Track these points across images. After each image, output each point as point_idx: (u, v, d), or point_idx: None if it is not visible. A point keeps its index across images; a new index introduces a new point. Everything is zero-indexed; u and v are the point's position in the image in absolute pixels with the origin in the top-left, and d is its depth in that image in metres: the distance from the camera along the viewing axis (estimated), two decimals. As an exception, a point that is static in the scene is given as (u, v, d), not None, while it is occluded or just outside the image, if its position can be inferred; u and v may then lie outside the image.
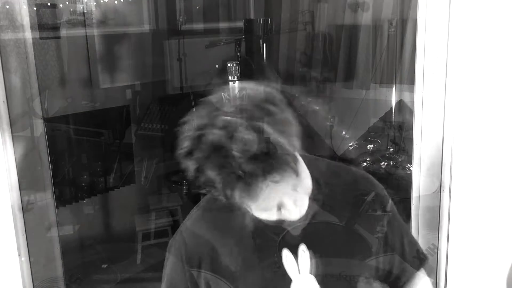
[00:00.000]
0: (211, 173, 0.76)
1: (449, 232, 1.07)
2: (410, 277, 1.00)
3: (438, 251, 1.10)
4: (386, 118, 3.22)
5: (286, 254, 0.92)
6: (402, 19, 3.11)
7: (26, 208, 1.16)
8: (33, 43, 2.36)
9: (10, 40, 2.01)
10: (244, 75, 2.04)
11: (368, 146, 3.26)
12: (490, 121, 1.02)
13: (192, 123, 0.82)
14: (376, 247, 0.98)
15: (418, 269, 1.00)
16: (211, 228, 0.97)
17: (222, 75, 1.98)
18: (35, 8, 2.55)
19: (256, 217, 0.91)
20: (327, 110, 3.49)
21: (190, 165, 0.78)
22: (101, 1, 3.08)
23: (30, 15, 2.38)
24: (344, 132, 3.45)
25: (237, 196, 0.76)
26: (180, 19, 3.40)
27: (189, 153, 0.77)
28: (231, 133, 0.74)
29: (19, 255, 1.14)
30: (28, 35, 2.15)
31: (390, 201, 1.04)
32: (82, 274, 1.72)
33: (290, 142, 0.81)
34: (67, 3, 2.88)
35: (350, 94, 3.43)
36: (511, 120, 1.01)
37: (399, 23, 3.10)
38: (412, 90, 1.22)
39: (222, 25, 3.57)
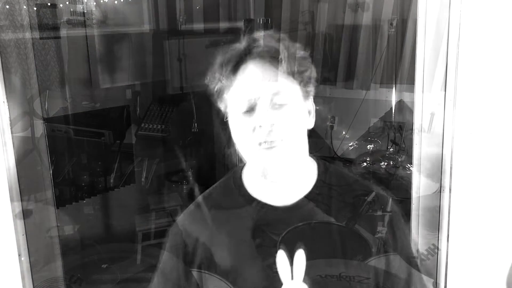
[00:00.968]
0: None
1: (449, 232, 1.07)
2: (409, 278, 1.00)
3: (438, 251, 1.10)
4: (386, 118, 3.23)
5: (281, 255, 0.91)
6: (402, 19, 3.11)
7: (26, 208, 1.16)
8: (33, 43, 2.36)
9: (11, 41, 2.01)
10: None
11: (368, 146, 3.27)
12: (490, 121, 1.01)
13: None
14: (376, 248, 0.98)
15: (418, 269, 1.00)
16: (208, 225, 0.97)
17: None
18: (35, 8, 2.55)
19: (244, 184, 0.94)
20: (327, 110, 3.49)
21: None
22: (101, 1, 3.08)
23: (30, 15, 2.38)
24: (344, 132, 3.45)
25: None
26: (180, 19, 3.40)
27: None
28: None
29: (19, 255, 1.14)
30: (28, 35, 2.15)
31: (390, 200, 1.04)
32: (82, 274, 1.71)
33: None
34: (67, 3, 2.88)
35: (350, 94, 3.43)
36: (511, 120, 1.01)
37: (399, 23, 3.10)
38: (412, 90, 1.22)
39: (222, 25, 3.57)
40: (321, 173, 1.01)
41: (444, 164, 1.07)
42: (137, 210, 3.19)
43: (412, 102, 1.20)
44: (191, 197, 3.12)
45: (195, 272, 0.96)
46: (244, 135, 0.92)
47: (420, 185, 1.23)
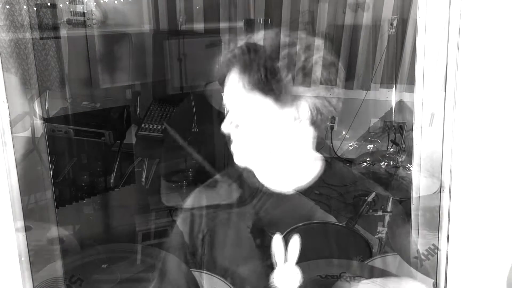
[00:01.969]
0: None
1: (449, 232, 1.07)
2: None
3: (438, 252, 1.10)
4: (386, 118, 3.23)
5: (277, 239, 0.92)
6: (402, 19, 3.11)
7: (26, 208, 1.16)
8: (34, 43, 2.36)
9: (11, 41, 2.01)
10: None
11: (368, 146, 3.27)
12: (490, 121, 1.01)
13: None
14: (376, 248, 0.98)
15: (418, 269, 1.01)
16: (209, 224, 0.98)
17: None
18: (35, 8, 2.55)
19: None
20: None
21: None
22: (101, 1, 3.08)
23: (30, 15, 2.38)
24: (344, 132, 3.46)
25: None
26: (180, 19, 3.40)
27: None
28: None
29: (19, 255, 1.14)
30: (28, 35, 2.15)
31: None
32: (82, 274, 1.71)
33: None
34: (67, 3, 2.88)
35: (350, 95, 3.43)
36: (511, 120, 1.01)
37: (399, 23, 3.11)
38: (412, 90, 1.22)
39: (222, 25, 3.57)
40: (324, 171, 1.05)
41: (444, 164, 1.07)
42: (137, 210, 3.19)
43: (412, 102, 1.20)
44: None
45: (195, 272, 0.96)
46: None
47: (420, 185, 1.23)
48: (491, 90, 1.01)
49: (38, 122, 2.70)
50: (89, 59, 3.06)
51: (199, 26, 3.56)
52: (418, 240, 1.21)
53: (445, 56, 1.05)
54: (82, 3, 2.92)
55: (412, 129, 1.22)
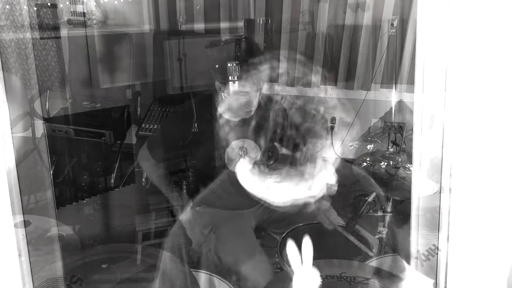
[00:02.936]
0: None
1: (449, 233, 1.07)
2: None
3: (438, 252, 1.10)
4: (386, 118, 3.23)
5: (291, 245, 0.92)
6: (402, 19, 3.11)
7: (26, 208, 1.16)
8: (34, 43, 2.36)
9: (11, 41, 2.01)
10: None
11: (368, 146, 3.27)
12: (490, 121, 1.01)
13: None
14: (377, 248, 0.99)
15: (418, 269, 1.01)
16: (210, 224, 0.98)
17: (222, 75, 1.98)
18: (35, 9, 2.55)
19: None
20: (327, 110, 3.49)
21: None
22: (101, 1, 3.08)
23: (31, 16, 2.38)
24: (344, 132, 3.46)
25: None
26: (180, 19, 3.40)
27: None
28: None
29: (19, 255, 1.14)
30: (28, 35, 2.15)
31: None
32: (82, 274, 1.71)
33: None
34: (67, 3, 2.89)
35: (351, 95, 3.43)
36: (511, 120, 1.01)
37: (399, 24, 3.11)
38: (412, 91, 1.22)
39: (222, 25, 3.57)
40: None
41: (444, 164, 1.07)
42: (137, 210, 3.19)
43: (412, 103, 1.20)
44: (191, 197, 3.12)
45: (196, 272, 0.96)
46: None
47: (420, 186, 1.23)
48: (491, 90, 1.01)
49: (39, 122, 2.70)
50: (89, 59, 3.07)
51: (199, 26, 3.56)
52: (419, 240, 1.21)
53: (445, 56, 1.05)
54: (82, 3, 2.92)
55: (412, 130, 1.22)
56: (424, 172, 1.19)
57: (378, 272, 0.99)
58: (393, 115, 3.12)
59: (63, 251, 1.84)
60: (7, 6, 2.01)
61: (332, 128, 3.51)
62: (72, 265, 1.64)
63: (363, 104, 3.32)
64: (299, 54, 3.51)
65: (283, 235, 1.47)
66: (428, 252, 1.13)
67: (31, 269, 1.14)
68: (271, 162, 1.96)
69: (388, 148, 2.92)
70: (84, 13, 2.93)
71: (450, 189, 1.06)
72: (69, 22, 2.89)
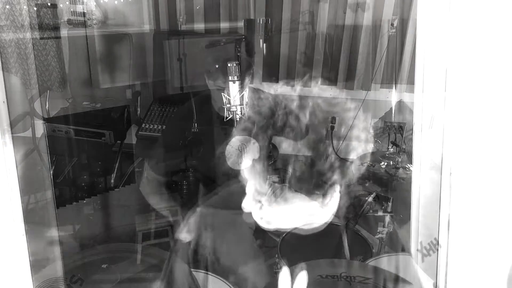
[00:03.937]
0: None
1: (449, 233, 1.07)
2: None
3: (438, 252, 1.10)
4: (386, 118, 3.23)
5: (284, 272, 0.91)
6: (402, 19, 3.11)
7: (26, 208, 1.16)
8: (34, 43, 2.36)
9: (11, 41, 2.01)
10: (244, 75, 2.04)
11: (368, 146, 3.26)
12: (490, 121, 1.01)
13: None
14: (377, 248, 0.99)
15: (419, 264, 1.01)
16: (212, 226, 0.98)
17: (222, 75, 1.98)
18: (35, 9, 2.55)
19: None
20: (327, 110, 3.49)
21: None
22: (101, 1, 3.08)
23: (31, 16, 2.38)
24: (344, 132, 3.45)
25: None
26: (180, 19, 3.40)
27: None
28: None
29: (19, 255, 1.14)
30: (28, 35, 2.15)
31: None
32: (82, 274, 1.71)
33: None
34: (67, 3, 2.88)
35: (350, 95, 3.43)
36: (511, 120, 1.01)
37: (399, 24, 3.11)
38: (412, 91, 1.22)
39: (222, 25, 3.57)
40: None
41: (444, 164, 1.07)
42: (137, 210, 3.19)
43: (412, 103, 1.20)
44: (191, 197, 3.12)
45: (196, 273, 0.96)
46: None
47: (420, 186, 1.23)
48: (491, 90, 1.01)
49: (39, 122, 2.70)
50: (89, 59, 3.06)
51: (199, 26, 3.56)
52: (418, 240, 1.21)
53: (445, 56, 1.05)
54: (82, 3, 2.92)
55: (412, 130, 1.22)
56: (424, 172, 1.19)
57: (377, 271, 0.99)
58: (393, 115, 3.12)
59: (62, 251, 1.84)
60: (7, 6, 2.01)
61: (332, 128, 3.50)
62: (72, 265, 1.64)
63: (363, 104, 3.31)
64: (299, 54, 3.51)
65: (283, 235, 1.47)
66: (430, 246, 1.13)
67: (31, 269, 1.14)
68: (271, 162, 1.96)
69: (388, 148, 2.92)
70: (84, 13, 2.93)
71: (450, 189, 1.06)
72: (69, 22, 2.89)
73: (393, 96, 3.13)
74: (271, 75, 3.51)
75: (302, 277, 0.89)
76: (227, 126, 1.84)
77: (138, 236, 2.91)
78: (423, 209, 1.23)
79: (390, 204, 1.97)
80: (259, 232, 1.77)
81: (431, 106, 1.16)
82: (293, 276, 0.90)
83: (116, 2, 3.16)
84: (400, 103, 3.06)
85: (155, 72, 3.33)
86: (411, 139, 1.34)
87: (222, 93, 1.68)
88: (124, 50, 3.21)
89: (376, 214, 1.92)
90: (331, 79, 3.47)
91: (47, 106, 2.91)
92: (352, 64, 3.38)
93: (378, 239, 1.95)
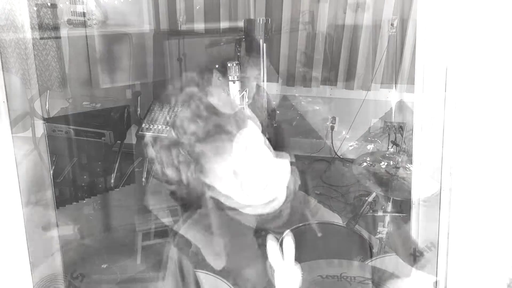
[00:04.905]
0: None
1: (449, 233, 1.07)
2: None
3: (438, 252, 1.10)
4: (386, 118, 3.23)
5: (271, 240, 0.89)
6: (402, 19, 3.11)
7: (26, 208, 1.16)
8: (34, 43, 2.35)
9: (11, 41, 2.01)
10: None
11: (368, 146, 3.27)
12: (490, 121, 1.01)
13: None
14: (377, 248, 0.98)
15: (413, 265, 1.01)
16: (212, 229, 0.98)
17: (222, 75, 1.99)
18: (35, 9, 2.55)
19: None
20: (328, 110, 3.49)
21: None
22: (101, 1, 3.08)
23: (31, 16, 2.38)
24: (344, 132, 3.46)
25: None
26: (180, 19, 3.40)
27: None
28: None
29: (19, 255, 1.14)
30: (28, 35, 2.15)
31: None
32: (82, 274, 1.72)
33: None
34: (67, 3, 2.88)
35: (351, 95, 3.43)
36: None
37: (399, 24, 3.11)
38: (412, 91, 1.22)
39: (222, 25, 3.57)
40: None
41: (444, 164, 1.07)
42: (137, 210, 3.19)
43: (412, 103, 1.20)
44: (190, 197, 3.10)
45: (197, 273, 0.96)
46: None
47: (420, 186, 1.23)
48: (491, 90, 1.01)
49: (39, 122, 2.70)
50: (89, 59, 3.06)
51: (199, 26, 3.56)
52: (418, 239, 1.21)
53: (445, 56, 1.05)
54: (82, 3, 2.92)
55: (412, 130, 1.22)
56: (424, 172, 1.19)
57: (377, 271, 0.99)
58: (393, 115, 3.13)
59: (62, 251, 1.84)
60: (7, 6, 2.01)
61: (332, 128, 3.51)
62: (71, 265, 1.64)
63: (363, 104, 3.31)
64: (299, 54, 3.51)
65: (283, 235, 1.47)
66: (424, 249, 1.13)
67: (31, 269, 1.14)
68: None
69: (388, 148, 2.92)
70: (84, 13, 2.93)
71: (450, 189, 1.06)
72: (69, 22, 2.89)
73: (393, 96, 3.13)
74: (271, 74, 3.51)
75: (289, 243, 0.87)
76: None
77: (138, 236, 2.91)
78: (423, 209, 1.23)
79: (390, 204, 1.97)
80: (259, 231, 1.77)
81: (431, 106, 1.16)
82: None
83: (116, 2, 3.16)
84: (400, 103, 3.07)
85: (155, 72, 3.33)
86: (411, 139, 1.34)
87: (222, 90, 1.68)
88: (124, 50, 3.21)
89: (376, 214, 1.93)
90: (331, 79, 3.48)
91: (47, 106, 2.91)
92: (352, 64, 3.38)
93: (378, 239, 1.96)
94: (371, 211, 1.80)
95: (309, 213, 0.99)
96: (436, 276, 1.11)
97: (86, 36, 3.00)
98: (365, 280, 0.95)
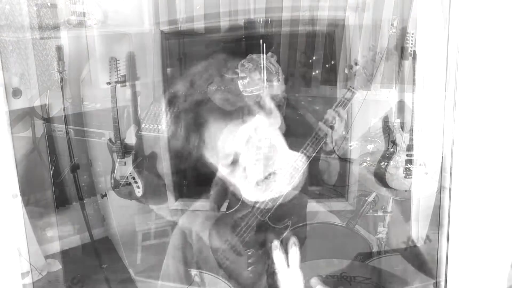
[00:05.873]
0: None
1: (449, 232, 1.07)
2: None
3: (438, 252, 1.10)
4: (386, 118, 3.22)
5: (275, 245, 0.90)
6: (402, 19, 3.11)
7: (26, 208, 1.16)
8: (34, 43, 2.36)
9: (11, 41, 2.01)
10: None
11: (368, 146, 3.26)
12: (490, 121, 1.01)
13: None
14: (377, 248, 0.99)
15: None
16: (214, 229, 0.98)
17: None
18: (35, 8, 2.55)
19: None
20: (327, 110, 3.48)
21: None
22: (101, 1, 3.08)
23: (31, 16, 2.38)
24: (344, 132, 3.45)
25: None
26: (180, 19, 3.40)
27: None
28: None
29: (19, 255, 1.14)
30: (28, 35, 2.15)
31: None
32: (82, 274, 1.72)
33: None
34: (67, 3, 2.88)
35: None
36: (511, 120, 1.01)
37: (399, 24, 3.11)
38: (412, 91, 1.22)
39: (222, 25, 3.57)
40: None
41: (444, 164, 1.07)
42: (137, 210, 3.19)
43: (412, 103, 1.20)
44: (192, 194, 3.11)
45: (195, 272, 0.96)
46: None
47: (420, 185, 1.24)
48: (491, 90, 1.01)
49: (39, 122, 2.70)
50: (89, 59, 3.07)
51: (199, 26, 3.56)
52: (418, 239, 1.21)
53: (445, 56, 1.05)
54: (82, 3, 2.92)
55: (412, 129, 1.22)
56: (425, 172, 1.19)
57: (377, 271, 0.99)
58: (393, 115, 3.12)
59: (62, 251, 1.85)
60: (7, 6, 2.01)
61: (332, 128, 3.50)
62: (71, 265, 1.64)
63: (362, 104, 3.31)
64: (298, 54, 3.51)
65: (283, 234, 1.47)
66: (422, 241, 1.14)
67: (31, 269, 1.14)
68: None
69: (388, 148, 2.92)
70: (84, 13, 2.93)
71: (450, 189, 1.06)
72: (69, 22, 2.89)
73: (393, 96, 3.13)
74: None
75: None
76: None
77: (138, 236, 2.91)
78: (422, 209, 1.23)
79: (390, 204, 1.97)
80: (260, 226, 1.77)
81: (431, 106, 1.16)
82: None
83: (116, 2, 3.16)
84: (400, 103, 3.06)
85: (154, 72, 3.33)
86: (411, 139, 1.34)
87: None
88: (124, 50, 3.21)
89: (376, 214, 1.93)
90: (331, 79, 3.48)
91: (47, 106, 2.91)
92: (352, 64, 3.38)
93: (378, 239, 1.96)
94: (371, 211, 1.81)
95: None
96: (436, 276, 1.11)
97: (86, 36, 3.00)
98: (365, 280, 0.96)
